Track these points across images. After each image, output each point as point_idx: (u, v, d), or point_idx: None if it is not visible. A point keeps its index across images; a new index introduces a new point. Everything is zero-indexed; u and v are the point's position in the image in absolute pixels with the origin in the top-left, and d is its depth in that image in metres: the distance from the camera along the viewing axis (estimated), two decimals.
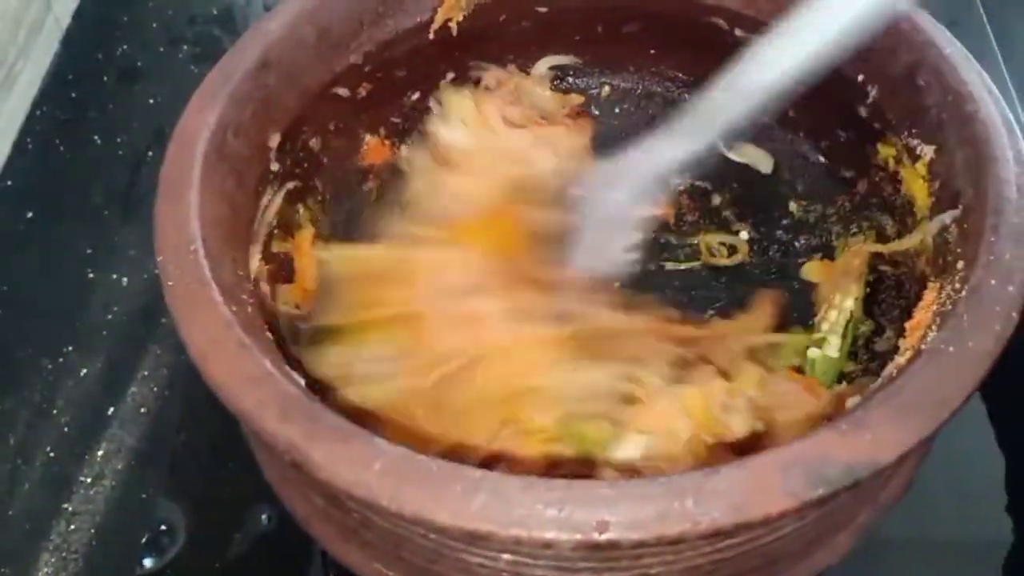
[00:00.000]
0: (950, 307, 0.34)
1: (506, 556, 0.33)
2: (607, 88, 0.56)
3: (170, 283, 0.35)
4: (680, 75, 0.55)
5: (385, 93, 0.50)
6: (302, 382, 0.34)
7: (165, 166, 0.38)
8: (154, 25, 0.67)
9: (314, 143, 0.48)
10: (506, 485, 0.29)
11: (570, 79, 0.56)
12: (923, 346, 0.33)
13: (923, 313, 0.37)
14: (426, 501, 0.29)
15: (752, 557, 0.35)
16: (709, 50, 0.51)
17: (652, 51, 0.54)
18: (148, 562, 0.44)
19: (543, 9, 0.51)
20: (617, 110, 0.56)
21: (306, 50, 0.44)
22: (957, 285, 0.35)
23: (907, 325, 0.37)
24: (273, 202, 0.45)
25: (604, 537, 0.28)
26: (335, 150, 0.50)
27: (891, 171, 0.46)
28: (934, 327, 0.34)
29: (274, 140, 0.44)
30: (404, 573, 0.36)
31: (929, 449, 0.41)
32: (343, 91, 0.48)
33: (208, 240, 0.36)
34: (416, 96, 0.53)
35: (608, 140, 0.55)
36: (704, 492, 0.29)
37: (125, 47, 0.66)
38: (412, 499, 0.29)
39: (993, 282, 0.34)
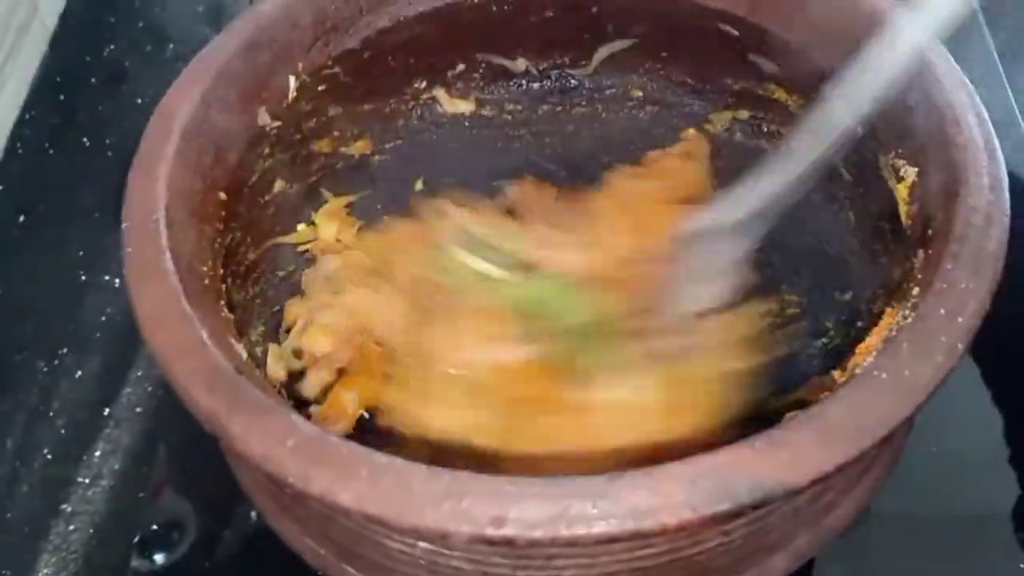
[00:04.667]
0: (895, 333, 0.33)
1: (423, 545, 0.33)
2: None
3: (129, 250, 0.36)
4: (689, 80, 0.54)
5: (388, 79, 0.51)
6: (243, 355, 0.35)
7: (143, 138, 0.39)
8: (140, 25, 0.67)
9: (310, 125, 0.49)
10: (411, 474, 0.30)
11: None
12: (858, 370, 0.32)
13: (874, 337, 0.36)
14: (332, 482, 0.30)
15: (675, 568, 0.34)
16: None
17: (663, 54, 0.54)
18: (159, 558, 0.44)
19: (550, 12, 0.51)
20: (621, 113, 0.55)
21: (301, 32, 0.45)
22: (907, 311, 0.34)
23: (858, 348, 0.36)
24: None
25: (499, 533, 0.29)
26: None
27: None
28: (875, 352, 0.33)
29: (263, 119, 0.45)
30: (332, 551, 0.37)
31: (885, 476, 0.40)
32: (342, 75, 0.49)
33: (172, 211, 0.37)
34: (423, 84, 0.53)
35: (614, 143, 0.55)
36: (605, 497, 0.29)
37: (112, 48, 0.66)
38: (319, 479, 0.30)
39: (942, 311, 0.33)
